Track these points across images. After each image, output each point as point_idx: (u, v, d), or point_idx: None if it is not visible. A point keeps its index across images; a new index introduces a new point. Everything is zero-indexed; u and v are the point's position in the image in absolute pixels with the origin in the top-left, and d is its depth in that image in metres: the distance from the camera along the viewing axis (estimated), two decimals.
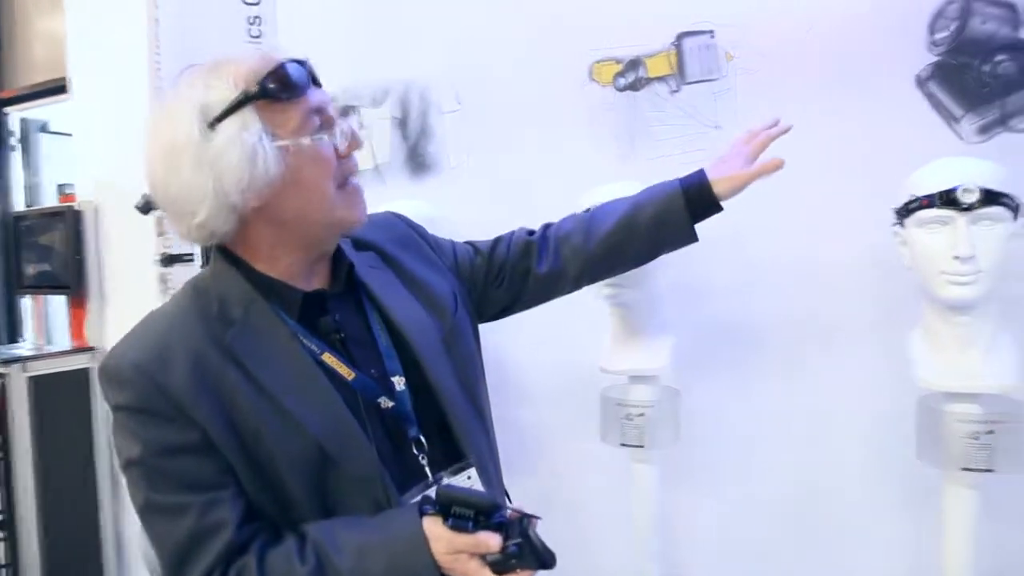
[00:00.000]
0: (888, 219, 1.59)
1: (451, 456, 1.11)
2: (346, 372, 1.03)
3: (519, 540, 0.92)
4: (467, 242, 1.37)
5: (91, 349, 3.42)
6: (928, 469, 1.60)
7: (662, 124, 2.05)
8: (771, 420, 2.02)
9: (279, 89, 0.97)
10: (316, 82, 1.04)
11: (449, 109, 2.45)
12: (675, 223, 1.30)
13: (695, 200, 1.29)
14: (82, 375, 3.31)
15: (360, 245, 1.18)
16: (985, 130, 1.70)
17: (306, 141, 0.98)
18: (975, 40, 1.68)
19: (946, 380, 1.54)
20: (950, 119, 1.74)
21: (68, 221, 3.41)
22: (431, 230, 1.32)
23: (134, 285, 2.80)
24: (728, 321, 2.03)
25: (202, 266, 2.21)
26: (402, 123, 2.55)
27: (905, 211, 1.53)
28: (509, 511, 0.95)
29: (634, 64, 2.08)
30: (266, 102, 0.96)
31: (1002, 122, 1.68)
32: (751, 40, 1.92)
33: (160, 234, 2.57)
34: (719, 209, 1.31)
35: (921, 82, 1.75)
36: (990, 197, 1.43)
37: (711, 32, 1.97)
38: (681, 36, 2.01)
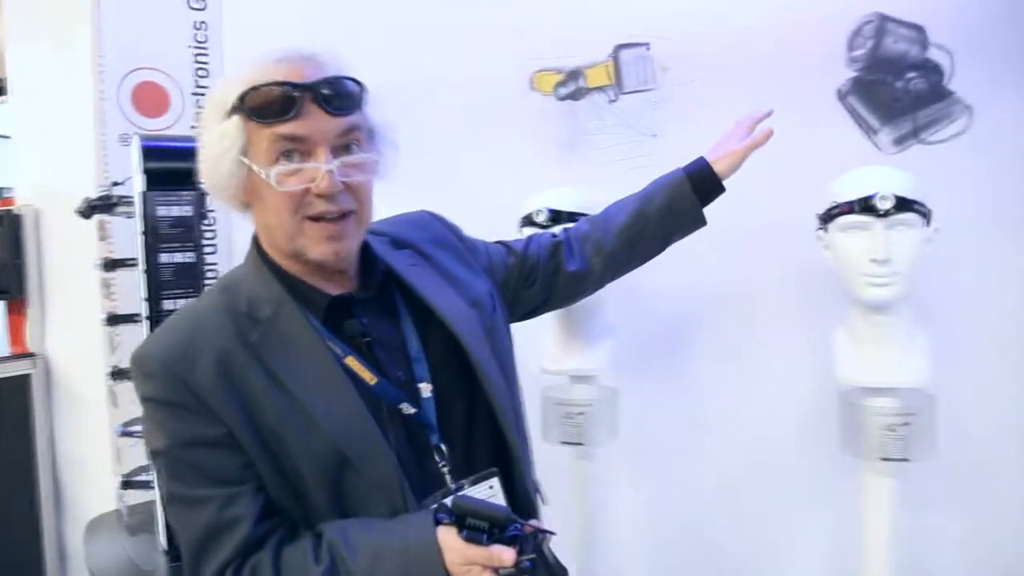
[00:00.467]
0: (814, 224, 1.68)
1: (474, 464, 1.09)
2: (368, 377, 1.01)
3: (533, 556, 0.92)
4: (498, 242, 1.38)
5: (31, 355, 3.33)
6: (851, 459, 1.69)
7: (601, 132, 2.12)
8: (705, 416, 2.10)
9: (251, 109, 0.95)
10: (333, 105, 0.97)
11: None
12: (684, 209, 1.36)
13: (700, 183, 1.35)
14: (22, 381, 3.21)
15: (398, 244, 1.17)
16: (900, 142, 1.81)
17: (262, 169, 0.95)
18: (889, 58, 1.79)
19: (866, 376, 1.63)
20: (869, 131, 1.84)
21: (7, 225, 3.31)
22: None
23: (76, 290, 2.75)
24: (666, 322, 2.11)
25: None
26: None
27: (828, 216, 1.62)
28: (524, 525, 0.94)
29: (574, 74, 2.15)
30: (247, 116, 0.96)
31: (915, 134, 1.80)
32: (684, 53, 2.00)
33: (102, 238, 2.53)
34: (722, 189, 1.36)
35: (842, 96, 1.85)
36: (904, 204, 1.53)
37: (647, 45, 2.05)
38: (618, 48, 2.09)
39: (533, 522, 0.97)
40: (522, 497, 1.12)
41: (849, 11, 1.83)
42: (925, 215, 1.55)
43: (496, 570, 0.91)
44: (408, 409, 1.04)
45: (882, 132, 1.82)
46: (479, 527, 0.91)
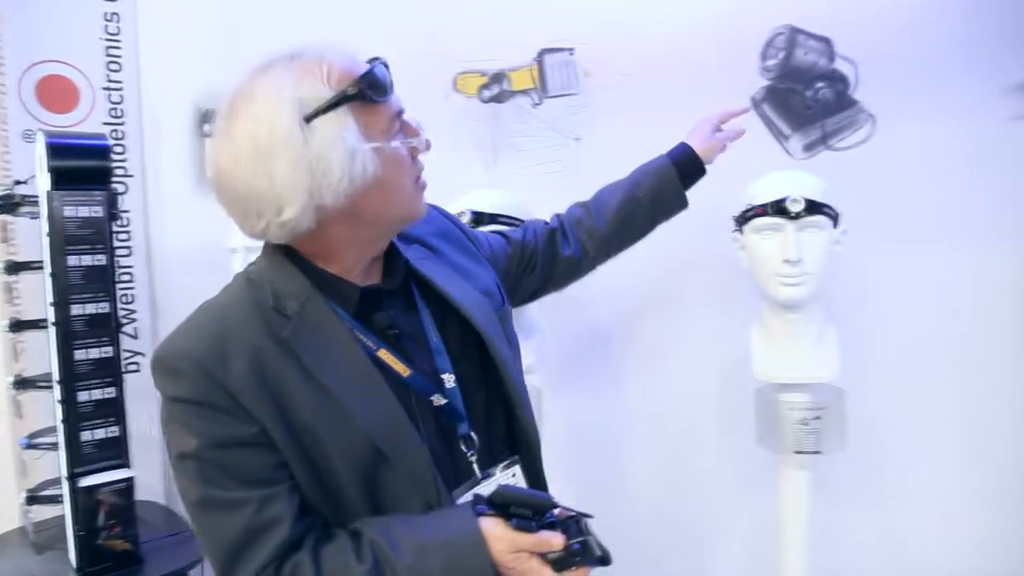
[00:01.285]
0: (730, 226, 1.74)
1: (495, 452, 1.11)
2: (401, 369, 1.01)
3: (582, 538, 0.93)
4: (495, 232, 1.42)
5: None
6: (767, 454, 1.76)
7: (525, 135, 2.14)
8: (627, 414, 2.14)
9: (374, 91, 0.95)
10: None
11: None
12: (671, 193, 1.49)
13: (685, 169, 1.49)
14: None
15: (406, 238, 1.16)
16: (810, 148, 1.90)
17: (393, 143, 0.97)
18: (799, 68, 1.87)
19: (779, 372, 1.70)
20: (781, 137, 1.92)
21: None
22: None
23: None
24: (588, 322, 2.14)
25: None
26: None
27: (743, 219, 1.68)
28: (562, 509, 0.96)
29: (498, 77, 2.16)
30: (359, 103, 0.94)
31: (823, 141, 1.88)
32: (607, 59, 2.05)
33: (4, 240, 2.41)
34: (704, 173, 1.51)
35: (756, 103, 1.93)
36: (814, 207, 1.60)
37: (571, 50, 2.08)
38: (543, 52, 2.11)
39: (570, 505, 0.98)
40: (536, 481, 1.16)
41: (763, 23, 1.90)
42: (833, 218, 1.63)
43: (544, 555, 0.92)
44: (439, 400, 1.04)
45: (793, 138, 1.90)
46: (526, 515, 0.93)
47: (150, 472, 2.49)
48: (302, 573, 0.92)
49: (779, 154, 1.91)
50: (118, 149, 2.65)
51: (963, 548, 1.84)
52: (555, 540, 0.92)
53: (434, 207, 1.27)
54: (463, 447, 1.07)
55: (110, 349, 2.01)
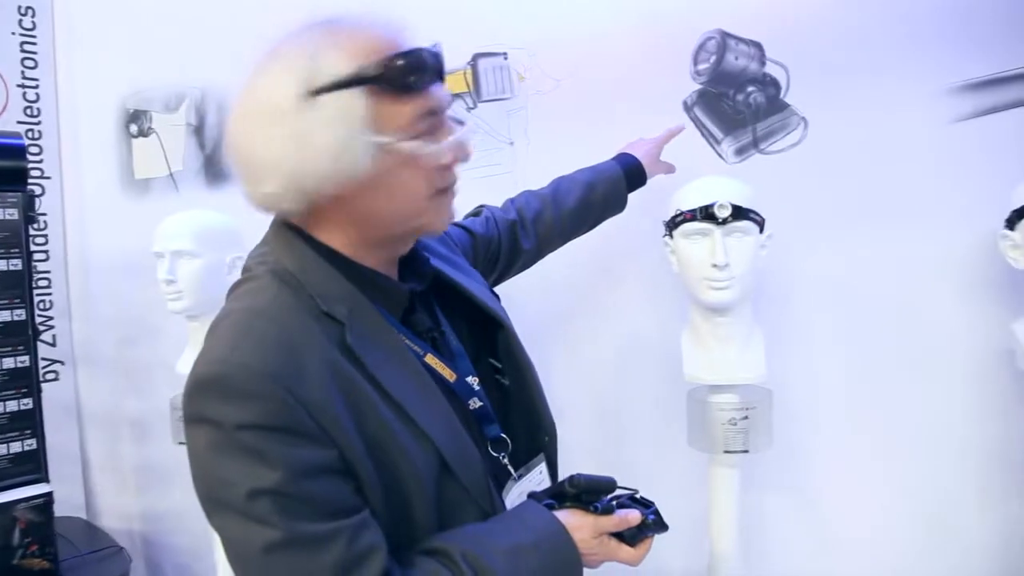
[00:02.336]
0: (661, 231, 1.76)
1: (517, 452, 1.07)
2: (448, 374, 0.97)
3: (652, 509, 0.99)
4: (455, 224, 1.33)
5: None
6: (698, 454, 1.79)
7: None
8: (560, 413, 2.14)
9: (401, 78, 0.84)
10: (443, 78, 0.92)
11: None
12: (617, 199, 1.67)
13: (631, 180, 1.68)
14: None
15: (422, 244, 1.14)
16: (741, 152, 1.93)
17: (408, 144, 0.86)
18: (730, 72, 1.91)
19: (708, 373, 1.73)
20: (713, 141, 1.95)
21: None
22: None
23: None
24: (521, 322, 2.14)
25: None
26: (197, 130, 2.45)
27: (672, 223, 1.71)
28: (622, 488, 1.01)
29: None
30: (379, 88, 0.84)
31: (754, 145, 1.92)
32: (541, 64, 2.05)
33: None
34: (644, 183, 1.73)
35: (688, 107, 1.95)
36: (740, 212, 1.63)
37: (504, 54, 2.08)
38: (476, 56, 2.10)
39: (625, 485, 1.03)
40: (553, 473, 1.16)
41: (694, 27, 1.93)
42: (759, 223, 1.66)
43: (620, 534, 0.96)
44: (475, 403, 1.02)
45: (725, 142, 1.94)
46: (599, 500, 0.96)
47: (70, 485, 2.40)
48: None
49: (712, 158, 1.94)
50: (34, 149, 2.55)
51: (888, 541, 1.90)
52: (632, 516, 0.97)
53: None
54: (493, 451, 1.04)
55: (26, 358, 1.95)
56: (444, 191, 0.93)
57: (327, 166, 0.84)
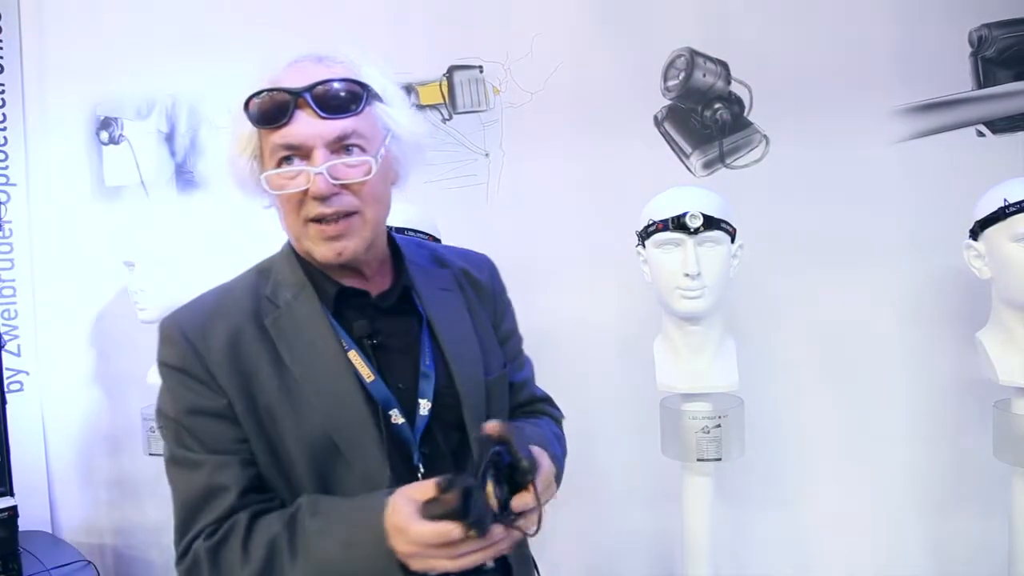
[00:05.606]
0: (633, 241, 1.79)
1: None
2: (366, 373, 1.02)
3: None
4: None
5: None
6: (670, 464, 1.81)
7: (434, 150, 2.14)
8: None
9: (252, 116, 0.98)
10: (325, 108, 0.97)
11: (224, 125, 2.37)
12: None
13: None
14: None
15: (443, 263, 1.18)
16: (708, 165, 1.98)
17: (261, 174, 0.99)
18: (698, 89, 1.96)
19: (681, 382, 1.75)
20: (682, 155, 1.99)
21: None
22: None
23: None
24: None
25: None
26: (168, 138, 2.43)
27: (645, 233, 1.73)
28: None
29: (406, 90, 2.15)
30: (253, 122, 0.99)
31: (721, 159, 1.96)
32: (515, 77, 2.08)
33: None
34: None
35: (658, 122, 2.00)
36: (711, 222, 1.66)
37: (480, 67, 2.10)
38: (452, 69, 2.12)
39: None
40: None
41: (664, 45, 1.97)
42: (731, 233, 1.70)
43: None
44: (397, 418, 1.03)
45: (693, 156, 1.98)
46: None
47: (35, 498, 2.35)
48: (236, 530, 0.96)
49: (681, 171, 1.98)
50: None
51: (855, 547, 1.94)
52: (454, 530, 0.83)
53: (491, 262, 1.26)
54: (416, 474, 1.02)
55: None
56: (314, 221, 0.99)
57: (243, 176, 1.02)
